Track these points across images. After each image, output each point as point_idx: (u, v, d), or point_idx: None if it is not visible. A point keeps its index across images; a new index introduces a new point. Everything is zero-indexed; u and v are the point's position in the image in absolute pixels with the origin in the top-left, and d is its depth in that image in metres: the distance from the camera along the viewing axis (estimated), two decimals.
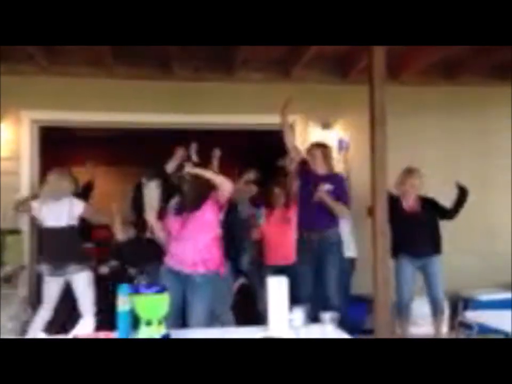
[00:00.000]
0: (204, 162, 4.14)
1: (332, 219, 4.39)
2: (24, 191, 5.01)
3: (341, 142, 5.00)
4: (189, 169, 3.60)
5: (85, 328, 3.87)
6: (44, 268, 4.27)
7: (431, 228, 4.60)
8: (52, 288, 4.23)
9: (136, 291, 2.56)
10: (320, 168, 4.50)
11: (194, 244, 3.55)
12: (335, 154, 5.03)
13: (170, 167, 4.55)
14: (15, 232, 4.79)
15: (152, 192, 3.52)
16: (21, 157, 5.12)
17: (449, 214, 4.61)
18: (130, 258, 4.50)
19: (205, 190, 3.60)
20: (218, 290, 3.76)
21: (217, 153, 4.70)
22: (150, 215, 3.65)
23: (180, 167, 3.74)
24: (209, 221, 3.61)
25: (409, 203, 4.59)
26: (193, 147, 4.35)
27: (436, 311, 4.60)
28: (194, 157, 4.24)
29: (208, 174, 3.58)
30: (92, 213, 4.34)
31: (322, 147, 4.62)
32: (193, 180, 3.61)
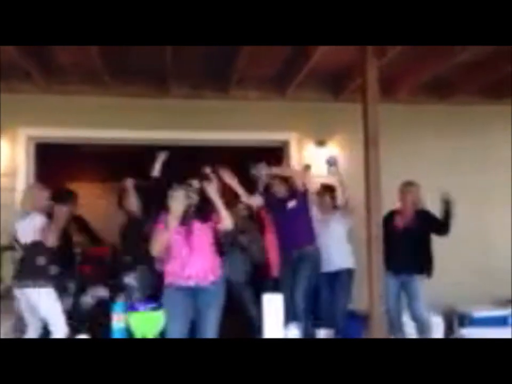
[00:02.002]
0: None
1: (309, 236, 4.57)
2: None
3: (329, 160, 5.18)
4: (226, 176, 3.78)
5: None
6: (12, 283, 4.24)
7: (419, 246, 4.52)
8: (22, 304, 4.15)
9: (132, 308, 2.58)
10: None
11: (204, 254, 3.66)
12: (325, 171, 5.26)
13: (156, 171, 4.62)
14: (12, 248, 4.78)
15: (178, 202, 3.60)
16: (17, 173, 5.16)
17: (441, 228, 4.49)
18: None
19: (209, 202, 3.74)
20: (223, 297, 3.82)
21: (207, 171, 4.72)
22: (173, 223, 3.63)
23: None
24: (212, 232, 3.75)
25: (403, 219, 4.56)
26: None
27: (420, 331, 4.51)
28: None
29: (219, 204, 3.69)
30: (47, 231, 4.09)
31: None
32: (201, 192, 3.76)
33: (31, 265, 4.09)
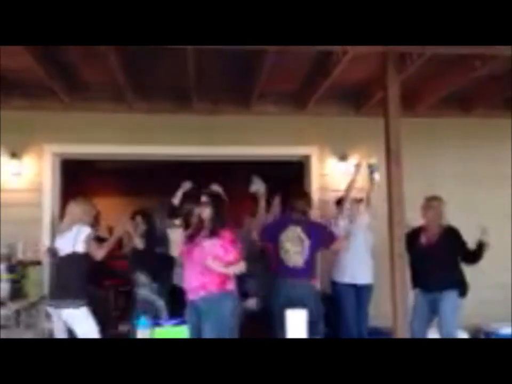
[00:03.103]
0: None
1: None
2: (46, 222, 5.12)
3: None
4: (211, 264, 3.64)
5: None
6: (47, 301, 4.18)
7: (447, 262, 4.38)
8: (54, 322, 4.08)
9: (156, 323, 2.60)
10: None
11: (196, 270, 3.68)
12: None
13: (176, 199, 4.66)
14: (36, 263, 4.87)
15: (176, 232, 3.71)
16: (43, 189, 5.26)
17: (470, 258, 4.38)
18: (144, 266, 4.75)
19: (220, 220, 3.75)
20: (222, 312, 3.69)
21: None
22: (175, 251, 3.79)
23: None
24: (213, 253, 3.67)
25: (428, 236, 4.46)
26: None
27: None
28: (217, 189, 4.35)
29: (226, 270, 3.66)
30: (93, 245, 4.06)
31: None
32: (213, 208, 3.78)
33: (71, 281, 3.97)
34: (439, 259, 4.33)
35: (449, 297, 4.33)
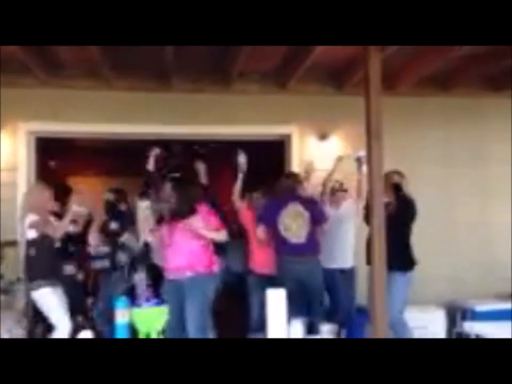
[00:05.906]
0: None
1: None
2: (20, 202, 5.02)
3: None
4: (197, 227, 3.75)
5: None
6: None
7: (394, 237, 3.80)
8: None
9: (134, 304, 2.57)
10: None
11: (181, 250, 3.78)
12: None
13: (150, 166, 4.70)
14: (13, 243, 4.78)
15: (143, 213, 3.79)
16: (18, 168, 5.15)
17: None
18: None
19: (193, 198, 3.89)
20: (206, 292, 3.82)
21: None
22: (148, 236, 4.02)
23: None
24: (196, 230, 3.79)
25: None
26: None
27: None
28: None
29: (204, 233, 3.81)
30: (39, 224, 4.06)
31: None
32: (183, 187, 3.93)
33: (33, 264, 4.09)
34: (388, 233, 3.69)
35: (391, 278, 3.85)
